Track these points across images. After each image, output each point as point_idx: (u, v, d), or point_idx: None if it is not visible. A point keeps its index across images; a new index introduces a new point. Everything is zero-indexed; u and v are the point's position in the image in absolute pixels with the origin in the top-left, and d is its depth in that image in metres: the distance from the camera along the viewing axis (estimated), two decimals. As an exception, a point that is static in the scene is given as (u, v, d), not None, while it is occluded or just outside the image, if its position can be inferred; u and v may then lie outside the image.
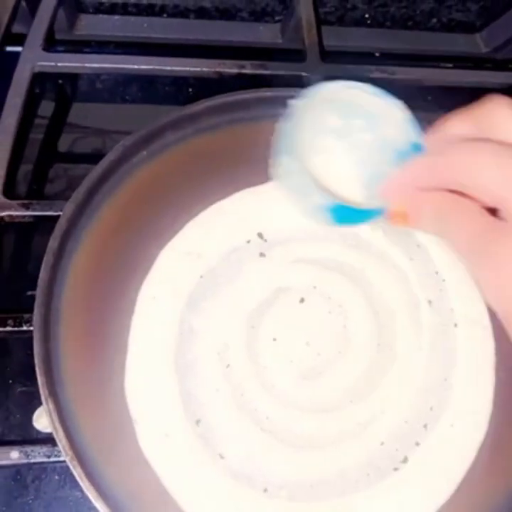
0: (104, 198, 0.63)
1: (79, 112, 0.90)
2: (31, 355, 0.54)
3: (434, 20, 0.93)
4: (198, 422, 0.57)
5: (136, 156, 0.66)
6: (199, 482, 0.55)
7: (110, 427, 0.55)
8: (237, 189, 0.67)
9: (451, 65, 0.91)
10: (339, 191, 0.52)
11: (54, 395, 0.53)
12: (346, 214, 0.51)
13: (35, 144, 0.85)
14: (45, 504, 0.62)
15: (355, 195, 0.52)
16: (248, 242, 0.65)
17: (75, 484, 0.52)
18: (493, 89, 0.79)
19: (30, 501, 0.62)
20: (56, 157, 0.87)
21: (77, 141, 0.90)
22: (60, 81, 0.83)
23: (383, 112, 0.51)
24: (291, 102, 0.51)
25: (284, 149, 0.51)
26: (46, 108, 0.88)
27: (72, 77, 0.84)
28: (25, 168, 0.82)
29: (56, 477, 0.63)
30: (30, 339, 0.55)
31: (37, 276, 0.57)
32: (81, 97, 0.91)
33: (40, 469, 0.63)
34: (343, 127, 0.52)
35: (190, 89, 0.85)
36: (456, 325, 0.64)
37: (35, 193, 0.81)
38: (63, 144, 0.88)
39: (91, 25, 0.87)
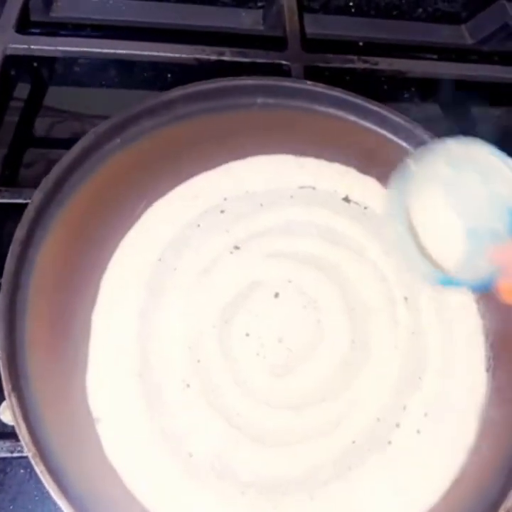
0: (75, 186, 0.61)
1: (55, 96, 0.88)
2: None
3: (420, 10, 0.91)
4: (164, 419, 0.55)
5: (109, 143, 0.64)
6: (165, 481, 0.53)
7: (74, 423, 0.54)
8: (212, 178, 0.66)
9: (435, 57, 0.89)
10: (445, 251, 0.50)
11: (18, 389, 0.52)
12: (452, 282, 0.50)
13: (10, 128, 0.82)
14: (10, 498, 0.60)
15: (461, 253, 0.50)
16: (226, 231, 0.63)
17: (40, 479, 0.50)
18: (478, 83, 0.79)
19: (-4, 498, 0.60)
20: (32, 141, 0.85)
21: (53, 126, 0.87)
22: (35, 64, 0.80)
23: (498, 170, 0.49)
24: (407, 160, 0.50)
25: (395, 210, 0.50)
26: (22, 91, 0.86)
27: (48, 60, 0.82)
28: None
29: (21, 471, 0.61)
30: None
31: (2, 265, 0.56)
32: (58, 81, 0.89)
33: (5, 463, 0.61)
34: (454, 179, 0.50)
35: (169, 75, 0.83)
36: (430, 324, 0.63)
37: (9, 178, 0.78)
38: (39, 128, 0.85)
39: (68, 7, 0.84)
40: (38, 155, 0.83)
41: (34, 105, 0.85)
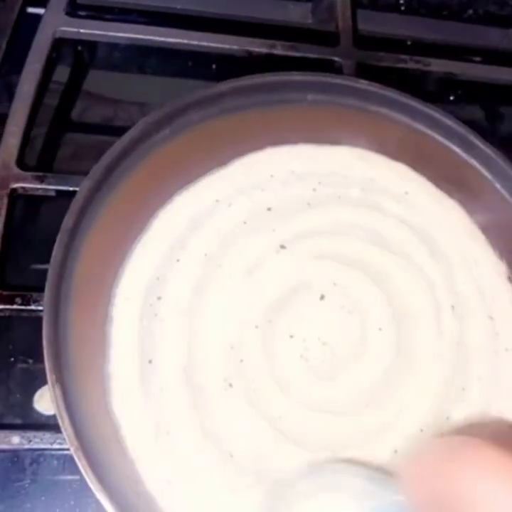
0: (122, 175, 0.60)
1: (95, 80, 0.87)
2: (35, 333, 0.51)
3: (470, 11, 0.89)
4: (205, 418, 0.54)
5: (158, 134, 0.63)
6: (205, 480, 0.52)
7: (112, 417, 0.53)
8: (261, 174, 0.65)
9: (481, 59, 0.87)
10: None
11: (61, 381, 0.51)
12: None
13: (48, 110, 0.82)
14: (42, 488, 0.60)
15: None
16: (273, 230, 0.62)
17: (74, 470, 0.49)
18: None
19: (27, 485, 0.60)
20: (68, 125, 0.84)
21: (86, 110, 0.87)
22: (79, 47, 0.79)
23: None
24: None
25: None
26: (62, 73, 0.85)
27: (92, 44, 0.80)
28: (36, 135, 0.79)
29: (55, 462, 0.61)
30: (36, 317, 0.53)
31: (45, 253, 0.54)
32: (98, 64, 0.88)
33: (39, 454, 0.60)
34: None
35: (214, 66, 0.82)
36: (477, 327, 0.62)
37: (45, 162, 0.78)
38: (76, 112, 0.85)
39: (113, -9, 0.83)
40: (71, 139, 0.83)
41: (73, 88, 0.84)
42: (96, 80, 0.88)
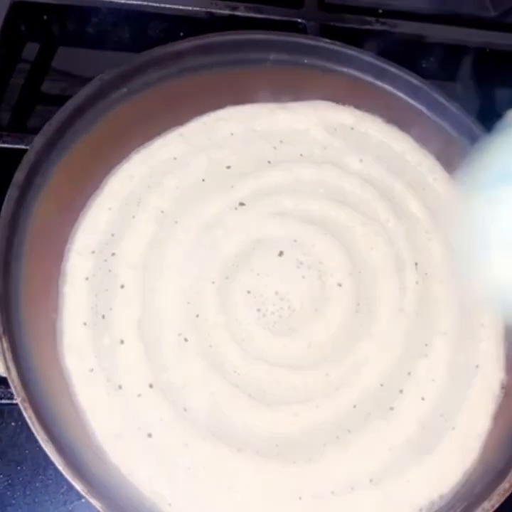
0: (78, 133, 0.59)
1: (66, 56, 0.87)
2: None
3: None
4: (159, 372, 0.53)
5: (115, 92, 0.62)
6: (156, 434, 0.51)
7: (64, 371, 0.52)
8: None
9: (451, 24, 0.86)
10: None
11: (10, 333, 0.50)
12: None
13: (17, 87, 0.81)
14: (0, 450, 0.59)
15: None
16: (232, 187, 0.62)
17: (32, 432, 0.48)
18: (499, 51, 0.76)
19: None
20: (39, 99, 0.83)
21: (60, 88, 0.86)
22: (45, 17, 0.79)
23: None
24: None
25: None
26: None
27: (58, 14, 0.79)
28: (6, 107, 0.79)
29: (12, 424, 0.60)
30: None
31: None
32: (69, 41, 0.87)
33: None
34: None
35: (182, 34, 0.81)
36: (440, 290, 0.61)
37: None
38: (46, 89, 0.84)
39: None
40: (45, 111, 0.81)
41: (43, 65, 0.84)
42: (69, 58, 0.87)
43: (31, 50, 0.84)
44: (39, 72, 0.84)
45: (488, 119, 0.72)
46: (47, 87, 0.84)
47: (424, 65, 0.82)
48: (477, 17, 0.89)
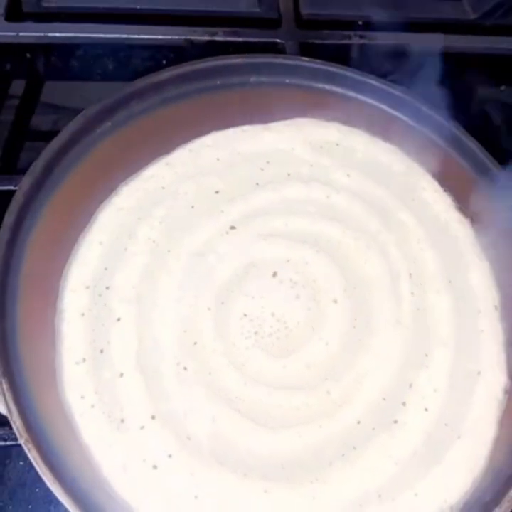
0: (65, 171, 0.60)
1: (52, 91, 0.88)
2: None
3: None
4: (160, 402, 0.54)
5: (99, 127, 0.63)
6: (164, 463, 0.51)
7: (66, 410, 0.52)
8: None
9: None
10: None
11: (9, 374, 0.50)
12: None
13: (5, 124, 0.82)
14: (9, 491, 0.59)
15: None
16: (221, 212, 0.62)
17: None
18: (479, 55, 0.76)
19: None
20: (30, 136, 0.84)
21: (50, 121, 0.87)
22: (29, 55, 0.80)
23: None
24: None
25: None
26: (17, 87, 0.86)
27: (42, 51, 0.81)
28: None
29: (20, 463, 0.60)
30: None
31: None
32: (54, 75, 0.88)
33: (4, 454, 0.60)
34: None
35: (164, 61, 0.82)
36: (438, 299, 0.61)
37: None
38: (38, 125, 0.85)
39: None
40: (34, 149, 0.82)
41: (31, 101, 0.85)
42: (56, 91, 0.88)
43: (18, 86, 0.86)
44: (27, 107, 0.85)
45: (474, 122, 0.73)
46: (36, 121, 0.86)
47: (406, 75, 0.82)
48: (457, 21, 0.89)
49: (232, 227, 0.61)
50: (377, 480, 0.53)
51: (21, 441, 0.48)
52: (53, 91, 0.88)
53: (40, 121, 0.86)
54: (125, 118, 0.64)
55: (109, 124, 0.63)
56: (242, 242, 0.61)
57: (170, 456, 0.52)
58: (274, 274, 0.60)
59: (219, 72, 0.66)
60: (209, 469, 0.51)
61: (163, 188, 0.63)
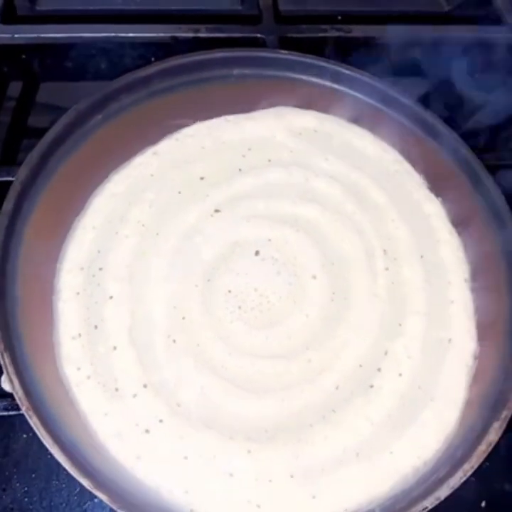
0: (60, 161, 0.64)
1: (48, 91, 0.91)
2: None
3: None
4: (152, 373, 0.58)
5: (91, 120, 0.67)
6: (155, 429, 0.56)
7: (64, 380, 0.57)
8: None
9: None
10: None
11: (11, 349, 0.54)
12: None
13: (4, 125, 0.86)
14: (14, 461, 0.63)
15: None
16: (207, 196, 0.66)
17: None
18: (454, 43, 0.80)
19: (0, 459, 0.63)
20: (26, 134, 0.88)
21: (47, 121, 0.90)
22: (24, 56, 0.84)
23: None
24: None
25: None
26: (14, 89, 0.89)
27: (37, 52, 0.84)
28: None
29: (24, 435, 0.64)
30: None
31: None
32: (50, 76, 0.92)
33: (9, 427, 0.64)
34: None
35: (153, 59, 0.85)
36: (411, 273, 0.65)
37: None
38: (32, 123, 0.89)
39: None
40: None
41: (27, 101, 0.88)
42: (49, 91, 0.92)
43: (15, 88, 0.90)
44: (24, 108, 0.89)
45: (451, 110, 0.77)
46: (33, 121, 0.89)
47: (381, 65, 0.86)
48: (431, 13, 0.93)
49: (217, 210, 0.65)
50: (355, 440, 0.57)
51: (23, 410, 0.52)
52: (49, 92, 0.92)
53: (36, 120, 0.90)
54: (115, 111, 0.68)
55: (100, 116, 0.67)
56: (226, 224, 0.65)
57: (161, 421, 0.56)
58: (257, 253, 0.64)
59: (203, 66, 0.70)
60: (197, 433, 0.55)
61: (152, 175, 0.67)
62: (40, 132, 0.90)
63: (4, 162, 0.80)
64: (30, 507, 0.62)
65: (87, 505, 0.62)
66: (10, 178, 0.65)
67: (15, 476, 0.63)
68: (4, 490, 0.62)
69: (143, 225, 0.64)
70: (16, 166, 0.66)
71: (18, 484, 0.63)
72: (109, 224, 0.64)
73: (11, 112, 0.87)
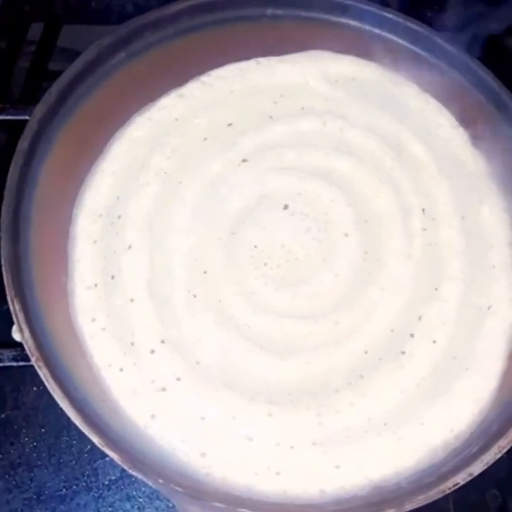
0: (79, 99, 0.60)
1: (71, 34, 0.87)
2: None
3: None
4: (170, 328, 0.54)
5: (113, 57, 0.63)
6: (172, 386, 0.52)
7: (77, 331, 0.53)
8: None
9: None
10: None
11: (21, 295, 0.51)
12: None
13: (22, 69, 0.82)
14: (23, 415, 0.61)
15: None
16: (234, 144, 0.62)
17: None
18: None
19: (9, 412, 0.61)
20: (46, 76, 0.84)
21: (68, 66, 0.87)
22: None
23: None
24: None
25: None
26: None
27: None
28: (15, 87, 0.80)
29: (34, 388, 0.62)
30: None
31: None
32: (73, 18, 0.88)
33: (19, 380, 0.61)
34: None
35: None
36: (450, 226, 0.60)
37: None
38: (53, 68, 0.85)
39: None
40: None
41: (48, 44, 0.85)
42: (71, 35, 0.88)
43: (36, 30, 0.86)
44: (45, 52, 0.85)
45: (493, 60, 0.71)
46: (54, 65, 0.85)
47: (429, 14, 0.80)
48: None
49: (245, 160, 0.61)
50: (382, 408, 0.53)
51: (32, 360, 0.50)
52: (71, 35, 0.88)
53: (57, 65, 0.86)
54: (139, 49, 0.63)
55: (123, 54, 0.63)
56: (254, 175, 0.61)
57: (178, 379, 0.53)
58: (286, 207, 0.60)
59: (234, 4, 0.65)
60: (216, 392, 0.52)
61: (176, 119, 0.63)
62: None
63: (22, 103, 0.77)
64: (39, 463, 0.60)
65: (97, 463, 0.60)
66: (27, 117, 0.62)
67: (23, 430, 0.61)
68: (12, 443, 0.60)
69: (165, 173, 0.60)
70: (34, 105, 0.63)
71: (26, 439, 0.60)
72: (129, 170, 0.60)
73: (31, 56, 0.84)
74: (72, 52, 0.87)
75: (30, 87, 0.82)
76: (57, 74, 0.86)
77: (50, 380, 0.49)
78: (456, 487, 0.48)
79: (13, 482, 0.59)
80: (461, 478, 0.48)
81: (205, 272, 0.57)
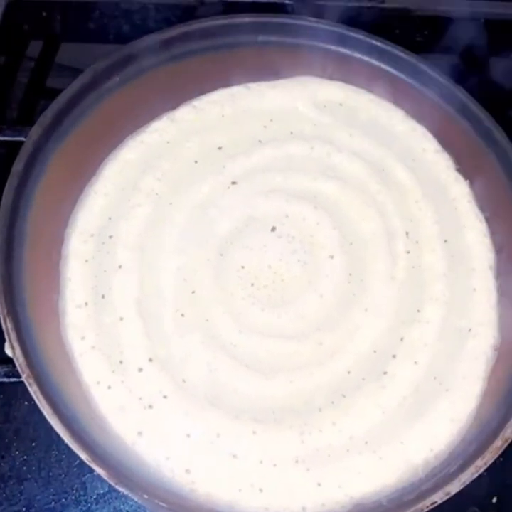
0: (74, 123, 0.62)
1: (69, 52, 0.89)
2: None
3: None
4: (158, 347, 0.56)
5: (108, 81, 0.64)
6: (159, 404, 0.54)
7: (68, 349, 0.55)
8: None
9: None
10: None
11: (13, 314, 0.52)
12: None
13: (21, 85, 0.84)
14: (14, 429, 0.62)
15: None
16: (224, 167, 0.63)
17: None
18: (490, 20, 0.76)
19: (0, 425, 0.62)
20: (44, 94, 0.86)
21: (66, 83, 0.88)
22: (45, 13, 0.81)
23: None
24: None
25: None
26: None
27: (57, 9, 0.82)
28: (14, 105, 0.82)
29: (25, 403, 0.63)
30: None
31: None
32: (71, 36, 0.89)
33: (10, 394, 0.63)
34: None
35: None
36: (433, 258, 0.62)
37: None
38: (50, 85, 0.86)
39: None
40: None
41: (47, 61, 0.86)
42: (72, 53, 0.89)
43: (35, 47, 0.87)
44: (43, 69, 0.86)
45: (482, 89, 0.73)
46: (52, 82, 0.87)
47: (416, 39, 0.82)
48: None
49: (234, 183, 0.63)
50: (364, 428, 0.55)
51: (23, 377, 0.51)
52: (69, 53, 0.89)
53: (55, 82, 0.88)
54: (133, 73, 0.65)
55: (118, 78, 0.65)
56: (242, 197, 0.62)
57: (165, 397, 0.54)
58: (273, 229, 0.61)
59: (227, 30, 0.67)
60: (202, 410, 0.54)
61: (168, 142, 0.64)
62: (58, 94, 0.89)
63: (20, 122, 0.78)
64: (29, 476, 0.61)
65: (86, 477, 0.61)
66: (23, 139, 0.64)
67: (14, 444, 0.62)
68: (2, 457, 0.61)
69: (156, 194, 0.62)
70: (31, 126, 0.64)
71: (17, 452, 0.61)
72: (121, 191, 0.62)
73: (30, 73, 0.85)
74: (70, 69, 0.89)
75: (28, 104, 0.83)
76: (54, 91, 0.88)
77: (40, 396, 0.50)
78: (434, 506, 0.49)
79: (3, 495, 0.60)
80: (438, 497, 0.50)
81: (194, 292, 0.58)
